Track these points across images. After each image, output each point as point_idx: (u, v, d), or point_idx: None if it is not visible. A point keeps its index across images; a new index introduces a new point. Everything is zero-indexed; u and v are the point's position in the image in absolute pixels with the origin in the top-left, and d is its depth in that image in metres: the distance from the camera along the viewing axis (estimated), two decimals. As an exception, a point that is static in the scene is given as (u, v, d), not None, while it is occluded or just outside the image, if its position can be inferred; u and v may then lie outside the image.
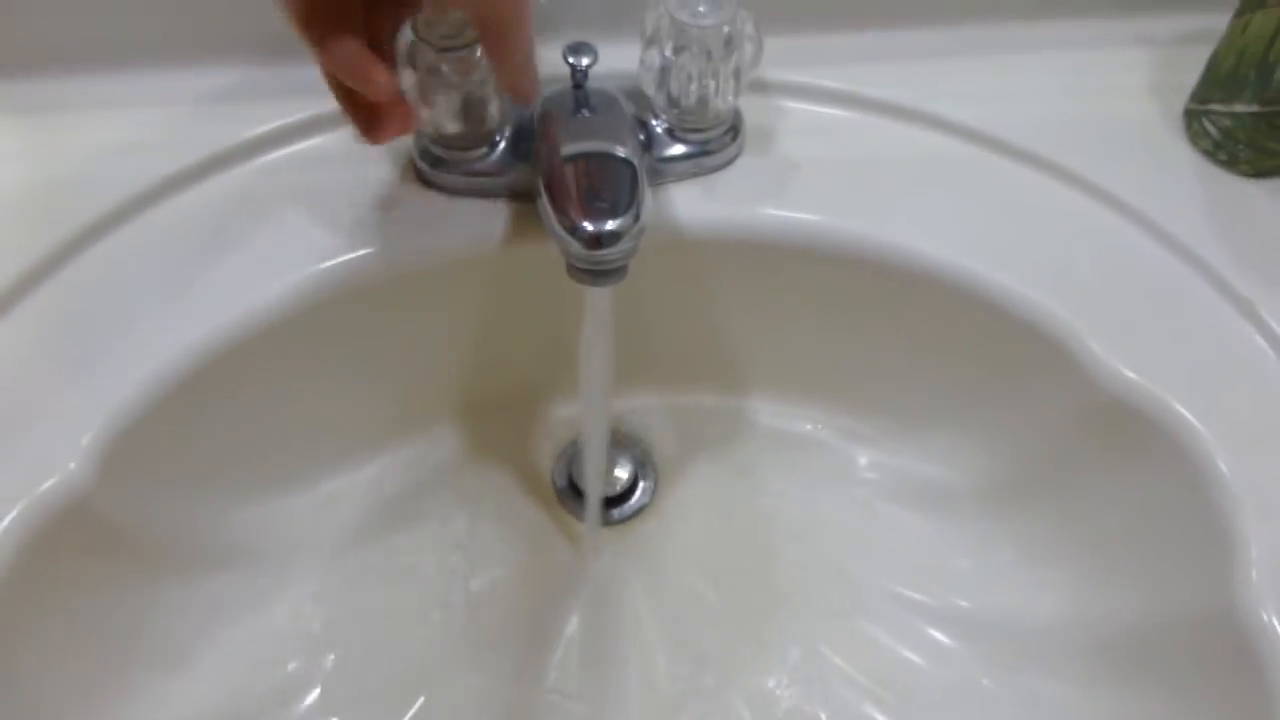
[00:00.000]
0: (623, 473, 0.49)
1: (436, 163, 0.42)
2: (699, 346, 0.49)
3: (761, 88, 0.46)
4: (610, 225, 0.33)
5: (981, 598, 0.44)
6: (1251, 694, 0.34)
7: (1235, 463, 0.37)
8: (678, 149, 0.43)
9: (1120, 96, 0.47)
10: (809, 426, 0.49)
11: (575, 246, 0.34)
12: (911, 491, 0.47)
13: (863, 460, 0.48)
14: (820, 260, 0.44)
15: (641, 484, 0.49)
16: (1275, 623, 0.34)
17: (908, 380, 0.46)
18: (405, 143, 0.43)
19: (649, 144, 0.43)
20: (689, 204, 0.43)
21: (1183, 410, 0.38)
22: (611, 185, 0.35)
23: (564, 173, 0.36)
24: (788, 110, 0.46)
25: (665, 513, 0.49)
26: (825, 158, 0.44)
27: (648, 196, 0.35)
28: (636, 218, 0.34)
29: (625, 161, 0.36)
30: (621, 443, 0.50)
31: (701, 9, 0.39)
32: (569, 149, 0.36)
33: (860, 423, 0.48)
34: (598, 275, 0.35)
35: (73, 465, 0.36)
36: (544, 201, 0.35)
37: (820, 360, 0.48)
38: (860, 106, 0.46)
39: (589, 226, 0.33)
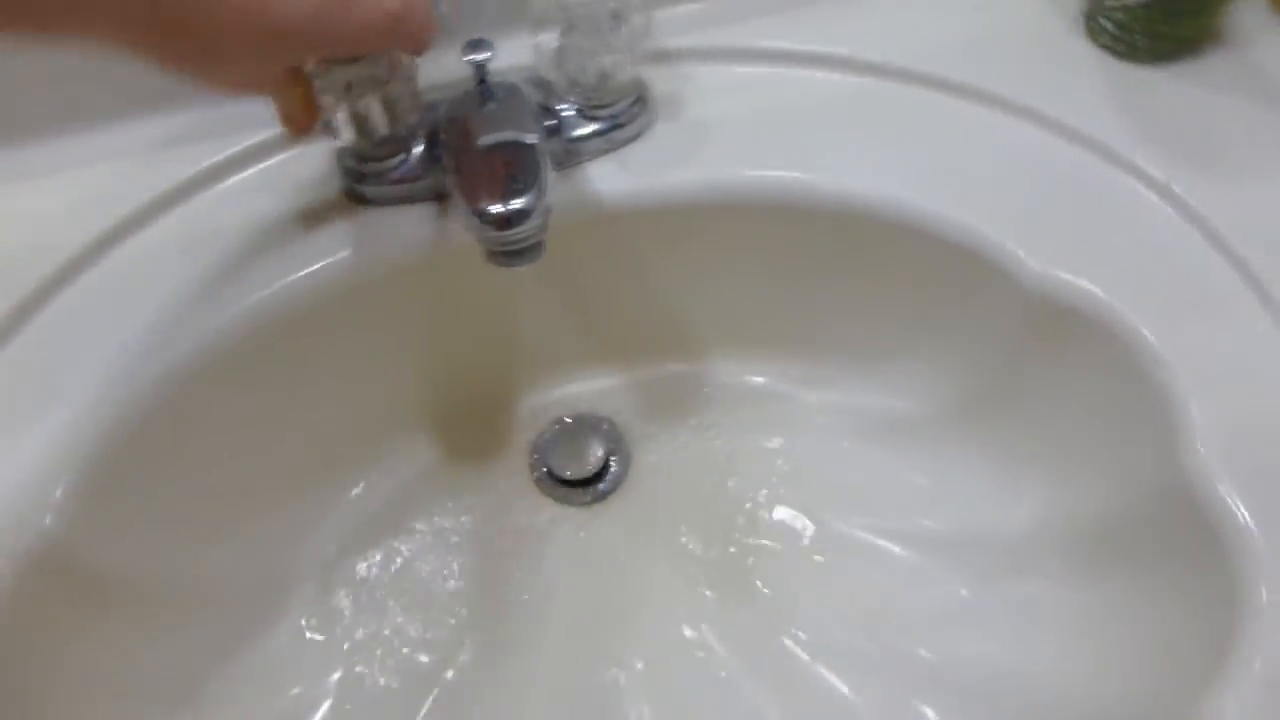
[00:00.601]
0: (596, 453, 0.50)
1: (359, 177, 0.43)
2: (648, 318, 0.50)
3: (664, 57, 0.47)
4: (516, 204, 0.34)
5: (957, 516, 0.45)
6: (1215, 563, 0.35)
7: (1170, 341, 0.38)
8: (588, 128, 0.44)
9: (1017, 8, 0.48)
10: (765, 379, 0.50)
11: (486, 230, 0.35)
12: (874, 426, 0.48)
13: (822, 402, 0.49)
14: (745, 213, 0.45)
15: (614, 461, 0.50)
16: (1225, 491, 0.35)
17: (852, 318, 0.47)
18: (329, 164, 0.44)
19: (559, 127, 0.44)
20: (607, 179, 0.44)
21: (1114, 300, 0.39)
22: (515, 169, 0.36)
23: (470, 164, 0.37)
24: (693, 74, 0.47)
25: (641, 485, 0.50)
26: (735, 113, 0.45)
27: (550, 174, 0.37)
28: (541, 194, 0.35)
29: (526, 146, 0.37)
30: (590, 424, 0.51)
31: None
32: (472, 141, 0.38)
33: (814, 367, 0.49)
34: (513, 256, 0.36)
35: (48, 520, 0.37)
36: (455, 195, 0.36)
37: (766, 312, 0.49)
38: (762, 59, 0.47)
39: (495, 208, 0.35)
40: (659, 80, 0.46)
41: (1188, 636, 0.35)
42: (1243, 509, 0.34)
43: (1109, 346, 0.38)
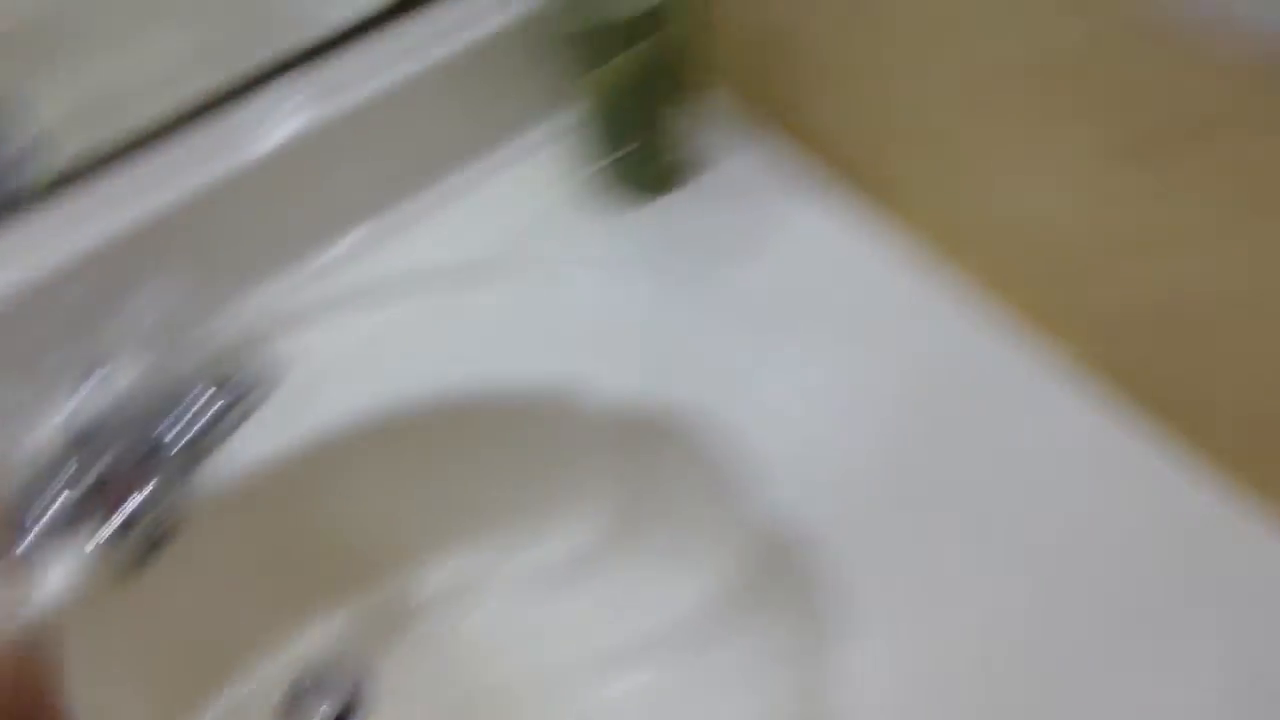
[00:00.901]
0: (336, 703, 0.53)
1: (16, 537, 0.46)
2: (339, 553, 0.54)
3: (267, 328, 0.52)
4: (107, 530, 0.40)
5: (644, 618, 0.51)
6: (816, 582, 0.42)
7: (720, 413, 0.46)
8: (211, 412, 0.48)
9: (536, 193, 0.56)
10: (465, 564, 0.55)
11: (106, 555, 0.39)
12: (559, 568, 0.53)
13: (516, 565, 0.54)
14: (383, 431, 0.50)
15: (354, 698, 0.53)
16: (803, 521, 0.43)
17: (512, 487, 0.53)
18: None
19: (188, 422, 0.48)
20: (246, 448, 0.48)
21: (670, 399, 0.47)
22: (118, 490, 0.41)
23: (88, 500, 0.42)
24: (293, 336, 0.52)
25: (387, 712, 0.52)
26: (345, 355, 0.51)
27: (162, 478, 0.42)
28: (146, 506, 0.40)
29: (130, 464, 0.42)
30: (323, 677, 0.53)
31: (135, 324, 0.46)
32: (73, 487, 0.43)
33: (501, 538, 0.55)
34: (137, 565, 0.40)
35: None
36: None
37: (443, 505, 0.54)
38: (352, 307, 0.53)
39: (91, 542, 0.39)
40: (264, 349, 0.51)
41: (823, 651, 0.41)
42: (820, 530, 0.42)
43: (686, 438, 0.46)
